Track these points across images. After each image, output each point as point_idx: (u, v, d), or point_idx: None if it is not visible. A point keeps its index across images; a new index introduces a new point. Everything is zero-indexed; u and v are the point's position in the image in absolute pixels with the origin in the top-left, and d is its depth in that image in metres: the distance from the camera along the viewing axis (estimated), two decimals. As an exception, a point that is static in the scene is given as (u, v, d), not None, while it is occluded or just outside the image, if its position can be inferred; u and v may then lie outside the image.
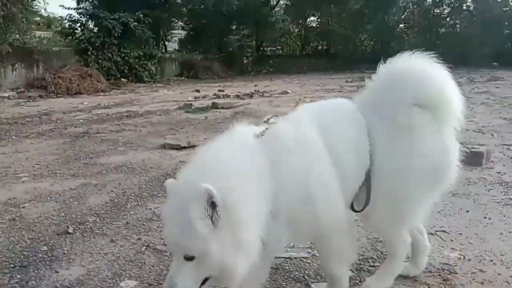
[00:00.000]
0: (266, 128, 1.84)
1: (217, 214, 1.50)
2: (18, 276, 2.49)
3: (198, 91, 13.67)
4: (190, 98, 11.75)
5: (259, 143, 1.75)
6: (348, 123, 1.97)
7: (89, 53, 16.35)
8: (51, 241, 2.95)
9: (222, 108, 9.61)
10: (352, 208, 2.01)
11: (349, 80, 15.29)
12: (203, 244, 1.50)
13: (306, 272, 2.48)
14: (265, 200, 1.65)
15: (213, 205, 1.50)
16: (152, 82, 17.92)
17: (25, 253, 2.78)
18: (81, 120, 8.22)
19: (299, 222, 1.78)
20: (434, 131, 1.97)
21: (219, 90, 13.59)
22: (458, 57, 13.45)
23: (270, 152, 1.73)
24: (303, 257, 2.61)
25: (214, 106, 9.79)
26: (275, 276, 2.42)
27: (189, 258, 1.55)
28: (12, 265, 2.62)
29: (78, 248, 2.84)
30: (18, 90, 14.26)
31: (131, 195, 3.87)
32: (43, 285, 2.40)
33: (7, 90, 14.08)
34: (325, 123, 1.91)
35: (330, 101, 2.25)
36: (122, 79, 17.39)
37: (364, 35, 24.27)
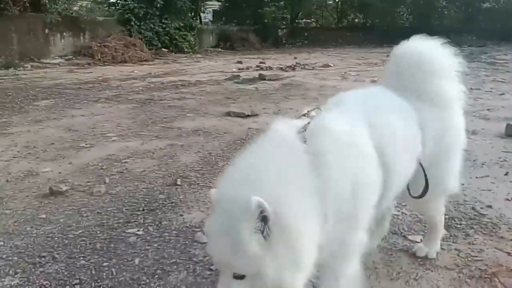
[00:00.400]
0: (308, 123, 1.64)
1: (269, 228, 1.34)
2: (150, 218, 2.89)
3: (240, 62, 13.94)
4: (234, 69, 12.04)
5: (302, 142, 1.55)
6: (397, 116, 1.83)
7: (132, 23, 16.77)
8: (165, 191, 3.34)
9: (269, 80, 9.87)
10: (409, 193, 1.98)
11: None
12: (256, 263, 1.34)
13: (401, 226, 2.77)
14: (316, 204, 1.46)
15: (264, 219, 1.33)
16: (191, 53, 18.31)
17: (146, 200, 3.19)
18: (140, 88, 8.64)
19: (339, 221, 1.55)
20: (460, 107, 2.07)
21: (260, 62, 13.83)
22: (501, 33, 13.19)
23: (316, 153, 1.51)
24: (394, 215, 2.89)
25: (261, 77, 10.06)
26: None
27: (240, 277, 1.39)
28: (140, 209, 3.03)
29: (191, 197, 3.23)
30: (66, 58, 14.85)
31: (217, 155, 4.24)
32: (174, 225, 2.79)
33: (56, 57, 14.67)
34: (374, 121, 1.71)
35: (371, 90, 2.07)
36: (163, 49, 17.80)
37: (403, 8, 23.84)
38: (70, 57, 15.02)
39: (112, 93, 7.94)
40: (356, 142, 1.60)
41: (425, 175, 1.92)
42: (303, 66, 12.84)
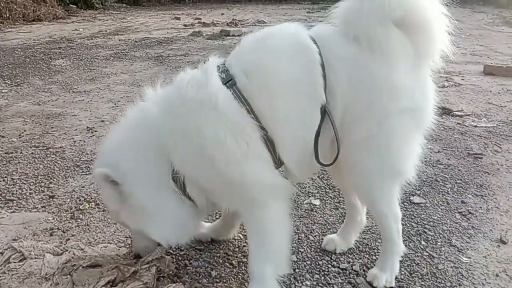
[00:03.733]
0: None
1: (119, 189, 1.72)
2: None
3: (178, 19, 13.85)
4: (180, 26, 12.07)
5: (155, 107, 1.74)
6: (287, 58, 1.67)
7: (35, -25, 15.03)
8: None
9: (233, 35, 10.31)
10: (318, 161, 1.71)
11: (310, 10, 16.52)
12: (119, 216, 1.81)
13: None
14: (159, 168, 1.72)
15: (114, 182, 1.70)
16: (102, 9, 17.22)
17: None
18: (121, 46, 8.42)
19: (207, 185, 1.72)
20: (413, 64, 1.67)
21: (196, 18, 13.94)
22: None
23: (160, 117, 1.70)
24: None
25: (226, 33, 10.42)
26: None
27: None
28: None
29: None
30: (-33, 16, 12.91)
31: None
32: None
33: (-45, 15, 12.68)
34: (251, 67, 1.66)
35: (272, 29, 1.80)
36: (71, 6, 16.44)
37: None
38: (-29, 15, 13.07)
39: (105, 52, 7.70)
40: (209, 105, 1.60)
41: (334, 127, 1.67)
42: (244, 23, 13.35)
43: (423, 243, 2.25)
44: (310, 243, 2.24)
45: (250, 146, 1.63)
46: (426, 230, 2.36)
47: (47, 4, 14.62)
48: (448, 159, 3.31)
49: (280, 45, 1.71)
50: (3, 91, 5.17)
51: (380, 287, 1.91)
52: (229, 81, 1.66)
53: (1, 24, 12.41)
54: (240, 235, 2.27)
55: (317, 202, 2.66)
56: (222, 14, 15.89)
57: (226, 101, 1.62)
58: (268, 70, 1.65)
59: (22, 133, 3.78)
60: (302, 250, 2.18)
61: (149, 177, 1.73)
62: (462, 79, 5.89)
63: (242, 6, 20.99)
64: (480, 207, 2.60)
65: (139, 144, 1.74)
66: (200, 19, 13.94)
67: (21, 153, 3.35)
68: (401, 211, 2.46)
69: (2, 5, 13.51)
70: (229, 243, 2.23)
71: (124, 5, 20.00)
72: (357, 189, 1.95)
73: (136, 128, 1.78)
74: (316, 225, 2.41)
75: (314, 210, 2.56)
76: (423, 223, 2.43)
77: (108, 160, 1.73)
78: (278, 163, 1.72)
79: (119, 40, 9.27)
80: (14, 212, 2.51)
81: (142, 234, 1.83)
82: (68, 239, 2.23)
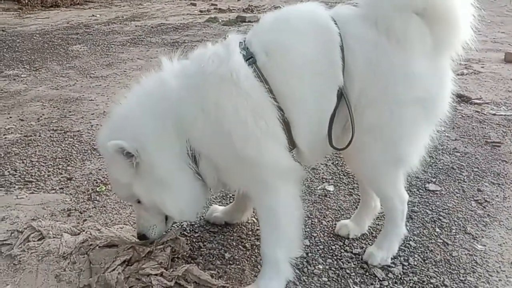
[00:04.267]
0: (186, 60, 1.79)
1: (136, 160, 1.66)
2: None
3: (194, 5, 13.82)
4: (196, 12, 12.05)
5: (174, 79, 1.71)
6: (307, 37, 1.65)
7: (54, -39, 15.14)
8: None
9: (249, 21, 10.25)
10: (331, 145, 1.72)
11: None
12: (129, 190, 1.72)
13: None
14: (177, 142, 1.68)
15: (128, 155, 1.64)
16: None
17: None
18: (138, 32, 8.45)
19: (220, 163, 1.71)
20: (431, 54, 1.65)
21: (212, 4, 13.89)
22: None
23: (180, 90, 1.67)
24: None
25: (242, 19, 10.37)
26: None
27: (138, 201, 1.80)
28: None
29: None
30: (-13, 1, 13.10)
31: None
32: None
33: (-27, 0, 12.87)
34: (272, 46, 1.65)
35: (292, 8, 1.79)
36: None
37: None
38: (-9, 0, 13.26)
39: (122, 38, 7.74)
40: (230, 81, 1.60)
41: (350, 110, 1.65)
42: (258, 9, 13.26)
43: (437, 230, 2.24)
44: (323, 228, 2.25)
45: (269, 126, 1.61)
46: (440, 217, 2.34)
47: (63, -10, 14.72)
48: (465, 147, 3.26)
49: (300, 25, 1.68)
50: (22, 75, 5.25)
51: (374, 264, 1.92)
52: (249, 58, 1.64)
53: (20, 10, 12.57)
54: (253, 218, 2.28)
55: (331, 188, 2.66)
56: (238, 0, 15.77)
57: (248, 78, 1.60)
58: (288, 49, 1.64)
59: (41, 116, 3.85)
60: (315, 234, 2.19)
61: (168, 150, 1.69)
62: (482, 67, 5.77)
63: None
64: (497, 196, 2.57)
65: (157, 116, 1.69)
66: (216, 5, 13.87)
67: (39, 136, 3.41)
68: (416, 197, 2.48)
69: (21, -10, 13.69)
70: (243, 226, 2.25)
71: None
72: (362, 173, 1.95)
73: (153, 99, 1.72)
74: (330, 210, 2.41)
75: (328, 196, 2.56)
76: (438, 210, 2.41)
77: (124, 131, 1.68)
78: (291, 145, 1.72)
79: (136, 26, 9.30)
80: (33, 193, 2.56)
81: (152, 210, 1.80)
82: (85, 219, 2.27)
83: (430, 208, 2.43)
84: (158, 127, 1.68)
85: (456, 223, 2.30)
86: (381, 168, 1.79)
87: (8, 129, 3.56)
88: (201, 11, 12.32)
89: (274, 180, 1.68)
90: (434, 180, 2.75)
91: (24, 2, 13.34)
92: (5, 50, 6.57)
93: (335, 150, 1.79)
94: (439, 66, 1.70)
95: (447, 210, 2.41)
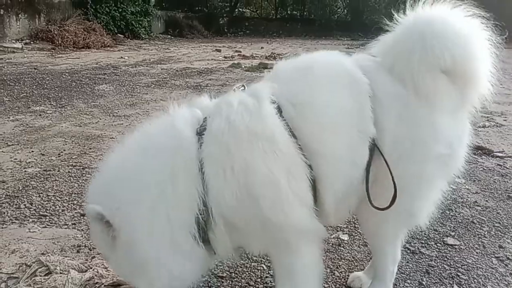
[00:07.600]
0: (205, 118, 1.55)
1: (113, 233, 1.39)
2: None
3: (219, 51, 14.26)
4: (220, 58, 12.40)
5: (189, 129, 1.51)
6: (337, 88, 1.56)
7: (88, 6, 16.02)
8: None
9: (271, 68, 10.41)
10: (371, 204, 1.56)
11: (350, 46, 16.64)
12: (106, 260, 1.64)
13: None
14: (183, 206, 1.43)
15: (108, 224, 1.39)
16: (148, 39, 18.01)
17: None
18: (163, 74, 8.72)
19: (241, 226, 1.50)
20: (455, 109, 1.62)
21: (236, 51, 14.30)
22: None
23: (203, 145, 1.45)
24: None
25: (264, 66, 10.60)
26: None
27: None
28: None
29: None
30: (24, 42, 13.80)
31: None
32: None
33: (13, 41, 13.57)
34: (299, 98, 1.53)
35: (314, 56, 1.71)
36: (119, 35, 17.28)
37: (339, 2, 25.63)
38: (28, 41, 13.97)
39: (147, 80, 7.98)
40: (262, 137, 1.44)
41: (387, 163, 1.53)
42: (280, 56, 13.58)
43: (455, 287, 2.13)
44: (335, 279, 2.17)
45: (300, 186, 1.47)
46: (459, 274, 2.24)
47: (97, 33, 15.44)
48: (487, 200, 3.16)
49: (328, 75, 1.60)
50: (48, 111, 5.42)
51: None
52: (278, 111, 1.50)
53: (53, 50, 13.20)
54: (263, 265, 2.22)
55: (345, 237, 2.59)
56: (262, 47, 16.24)
57: (283, 134, 1.46)
58: (318, 101, 1.54)
59: (62, 152, 3.93)
60: (326, 285, 2.11)
61: (160, 223, 1.42)
62: (505, 120, 5.70)
63: (282, 40, 21.40)
64: (520, 254, 2.45)
65: (163, 174, 1.43)
66: (240, 51, 14.29)
67: (58, 171, 3.47)
68: (434, 251, 2.39)
69: (56, 32, 14.44)
70: (251, 273, 2.19)
71: (169, 36, 20.87)
72: (367, 224, 1.82)
73: (157, 151, 1.49)
74: (343, 261, 2.34)
75: (342, 245, 2.49)
76: (456, 266, 2.31)
77: (106, 195, 1.44)
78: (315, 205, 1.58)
79: (161, 69, 9.61)
80: (45, 227, 2.57)
81: None
82: (94, 257, 2.25)
83: (448, 263, 2.33)
84: (152, 190, 1.42)
85: (475, 280, 2.19)
86: (389, 221, 1.68)
87: (29, 162, 3.64)
88: (225, 57, 12.69)
89: (298, 241, 1.54)
90: (453, 234, 2.65)
91: (57, 42, 14.04)
92: (34, 87, 6.84)
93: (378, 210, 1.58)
94: (460, 121, 1.67)
95: (466, 266, 2.31)
